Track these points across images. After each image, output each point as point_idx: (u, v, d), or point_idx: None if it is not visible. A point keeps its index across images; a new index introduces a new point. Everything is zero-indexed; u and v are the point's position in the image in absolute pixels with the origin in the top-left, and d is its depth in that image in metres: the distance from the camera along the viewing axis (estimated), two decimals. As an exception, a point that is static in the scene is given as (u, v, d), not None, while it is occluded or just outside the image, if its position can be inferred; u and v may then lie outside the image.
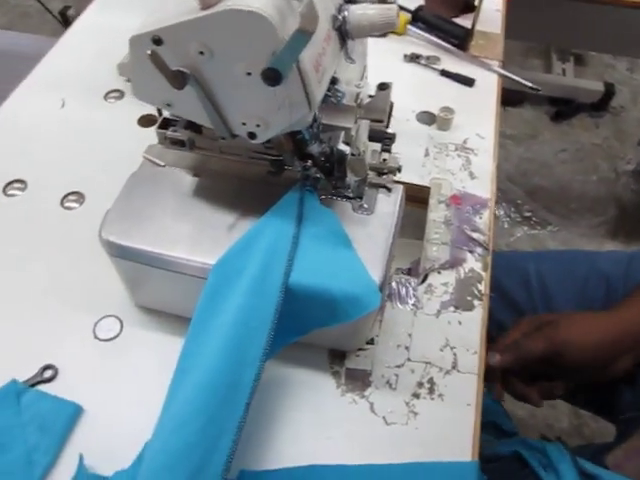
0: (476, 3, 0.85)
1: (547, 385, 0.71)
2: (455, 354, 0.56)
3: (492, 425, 0.76)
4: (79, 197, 0.67)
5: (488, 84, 0.84)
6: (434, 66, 0.86)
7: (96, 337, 0.56)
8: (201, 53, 0.40)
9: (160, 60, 0.40)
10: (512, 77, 0.85)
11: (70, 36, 0.89)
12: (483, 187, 0.70)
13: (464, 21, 0.91)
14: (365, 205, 0.52)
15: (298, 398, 0.53)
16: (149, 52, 0.39)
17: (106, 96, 0.79)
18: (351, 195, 0.52)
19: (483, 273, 0.62)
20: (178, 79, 0.41)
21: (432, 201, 0.68)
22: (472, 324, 0.58)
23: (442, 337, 0.57)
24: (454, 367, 0.55)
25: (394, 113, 0.57)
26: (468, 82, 0.83)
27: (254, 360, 0.43)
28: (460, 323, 0.58)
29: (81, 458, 0.47)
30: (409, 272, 0.66)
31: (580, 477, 0.57)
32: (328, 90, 0.46)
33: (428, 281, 0.61)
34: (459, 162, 0.73)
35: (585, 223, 1.71)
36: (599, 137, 1.95)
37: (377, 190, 0.53)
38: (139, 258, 0.49)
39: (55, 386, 0.53)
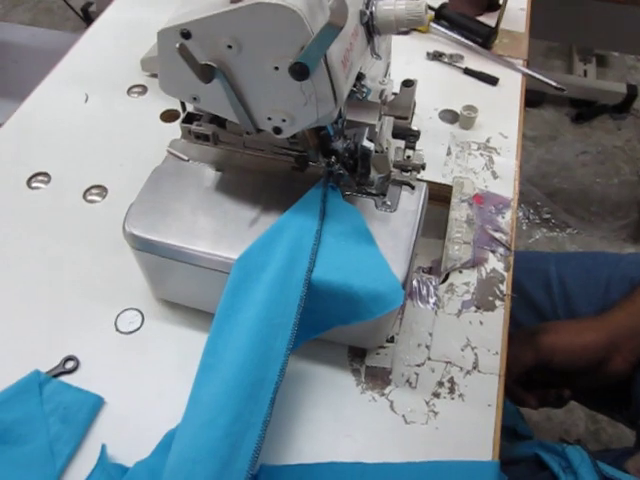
0: (501, 2, 0.84)
1: (541, 392, 0.72)
2: (476, 354, 0.56)
3: (507, 428, 0.75)
4: (102, 191, 0.68)
5: (512, 83, 0.83)
6: (457, 64, 0.85)
7: (117, 329, 0.56)
8: (229, 47, 0.40)
9: (188, 54, 0.40)
10: (537, 76, 0.84)
11: (93, 32, 0.90)
12: (506, 187, 0.69)
13: (488, 19, 0.90)
14: (388, 202, 0.51)
15: (318, 395, 0.53)
16: (178, 45, 0.39)
17: (129, 91, 0.80)
18: (374, 192, 0.52)
19: (505, 273, 0.62)
20: (206, 73, 0.41)
21: (454, 200, 0.68)
22: (493, 324, 0.58)
23: (463, 337, 0.57)
24: (475, 367, 0.55)
25: (416, 111, 0.57)
26: (492, 81, 0.82)
27: (278, 356, 0.43)
28: (481, 323, 0.58)
29: (103, 448, 0.48)
30: (430, 271, 0.65)
31: (600, 481, 0.57)
32: (354, 86, 0.46)
33: (449, 280, 0.61)
34: (482, 161, 0.72)
35: (606, 226, 1.69)
36: (621, 139, 1.92)
37: (400, 187, 0.53)
38: (162, 252, 0.50)
39: (76, 377, 0.53)
